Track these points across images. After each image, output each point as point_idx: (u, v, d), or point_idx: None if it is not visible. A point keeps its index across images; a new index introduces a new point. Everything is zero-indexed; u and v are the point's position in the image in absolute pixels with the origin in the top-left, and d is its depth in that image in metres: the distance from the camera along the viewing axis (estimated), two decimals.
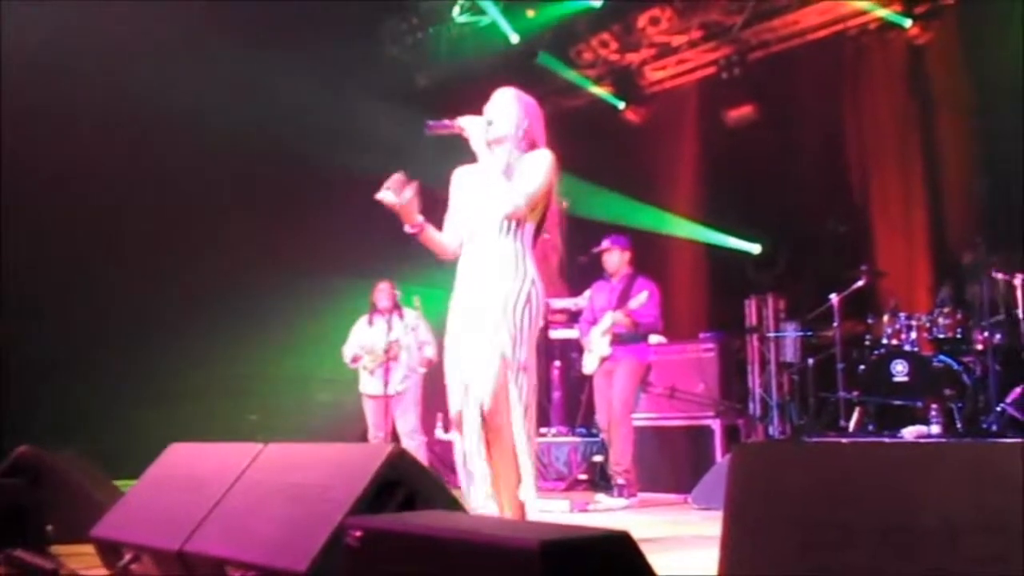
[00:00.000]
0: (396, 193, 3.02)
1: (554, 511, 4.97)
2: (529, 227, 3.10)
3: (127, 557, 2.51)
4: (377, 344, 6.11)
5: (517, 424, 2.89)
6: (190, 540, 2.36)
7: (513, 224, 3.05)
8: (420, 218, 3.11)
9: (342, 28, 7.55)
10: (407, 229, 3.12)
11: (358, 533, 1.65)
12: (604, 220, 7.34)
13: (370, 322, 6.30)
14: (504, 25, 8.62)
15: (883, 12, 7.49)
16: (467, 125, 3.07)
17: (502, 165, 3.05)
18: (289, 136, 7.18)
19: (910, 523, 1.35)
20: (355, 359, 6.28)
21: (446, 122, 3.08)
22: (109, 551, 2.65)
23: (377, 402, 6.12)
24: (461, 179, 3.25)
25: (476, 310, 3.01)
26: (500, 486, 2.87)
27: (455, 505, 2.36)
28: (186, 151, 6.83)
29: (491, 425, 2.87)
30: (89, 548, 2.83)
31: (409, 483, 2.24)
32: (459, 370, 3.00)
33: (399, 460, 2.25)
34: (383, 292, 6.29)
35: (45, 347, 5.97)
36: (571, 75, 9.35)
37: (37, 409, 5.73)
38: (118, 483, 3.92)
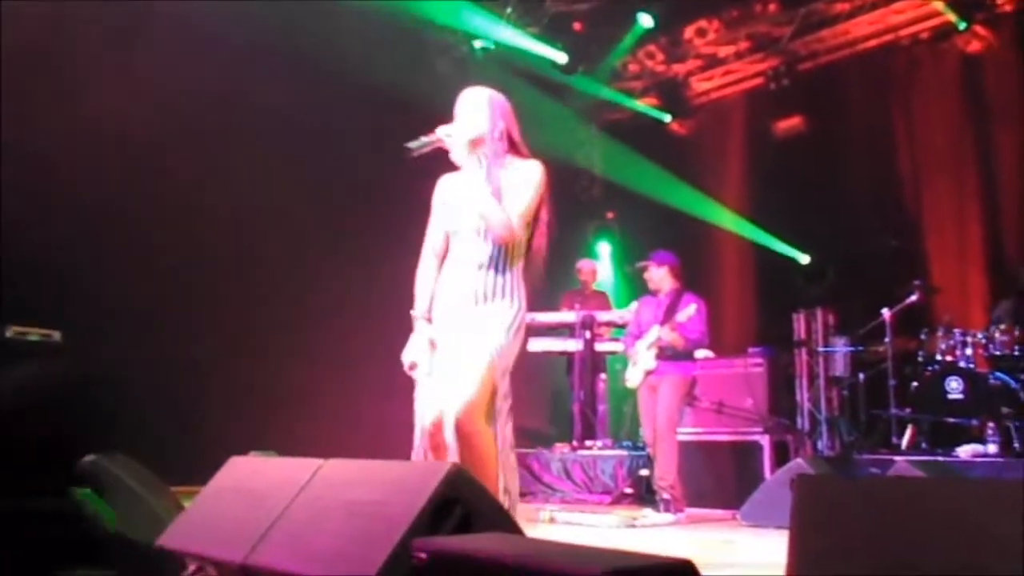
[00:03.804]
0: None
1: (601, 526, 4.97)
2: (522, 246, 2.99)
3: (191, 568, 2.58)
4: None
5: (490, 434, 2.79)
6: (253, 553, 2.42)
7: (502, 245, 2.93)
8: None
9: (387, 40, 7.62)
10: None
11: (423, 554, 1.68)
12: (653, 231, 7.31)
13: None
14: (545, 51, 8.64)
15: (944, 11, 7.34)
16: (445, 134, 2.95)
17: (485, 172, 2.93)
18: (344, 145, 7.27)
19: (979, 564, 1.33)
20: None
21: (423, 139, 2.95)
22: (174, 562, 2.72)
23: None
24: (445, 189, 3.12)
25: (465, 328, 2.92)
26: None
27: (512, 525, 2.38)
28: (254, 157, 6.93)
29: (460, 435, 2.78)
30: None
31: (466, 501, 2.27)
32: (433, 385, 2.95)
33: (457, 478, 2.28)
34: None
35: (101, 354, 6.12)
36: (611, 94, 9.37)
37: (94, 416, 5.88)
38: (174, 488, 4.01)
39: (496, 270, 2.94)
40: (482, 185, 2.91)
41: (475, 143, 2.96)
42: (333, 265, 7.43)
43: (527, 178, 2.96)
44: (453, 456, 2.86)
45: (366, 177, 7.40)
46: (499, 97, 3.07)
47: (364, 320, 7.27)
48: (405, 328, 6.76)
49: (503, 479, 2.83)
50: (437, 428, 2.91)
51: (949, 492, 1.43)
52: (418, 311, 3.13)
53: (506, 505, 2.75)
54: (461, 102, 3.04)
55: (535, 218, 2.99)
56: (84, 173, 6.25)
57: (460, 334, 2.93)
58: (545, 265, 3.06)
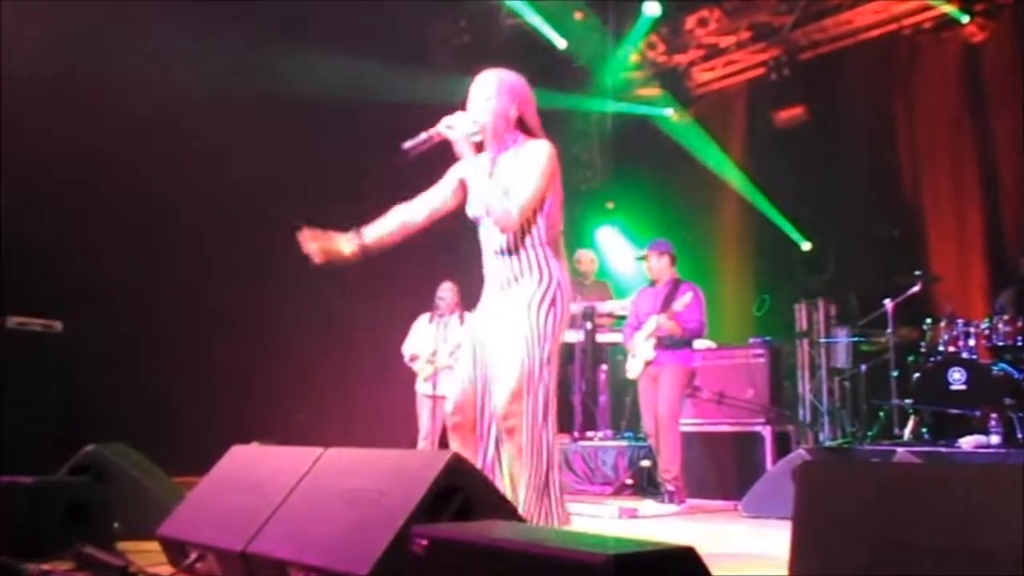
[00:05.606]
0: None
1: (602, 516, 4.96)
2: (541, 225, 2.83)
3: (192, 556, 2.58)
4: (426, 348, 6.14)
5: (529, 429, 2.71)
6: (253, 541, 2.42)
7: (520, 229, 2.81)
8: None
9: (390, 31, 7.60)
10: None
11: (424, 542, 1.68)
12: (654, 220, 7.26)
13: (431, 321, 6.27)
14: (549, 32, 8.63)
15: (943, 5, 7.33)
16: (447, 129, 2.79)
17: (490, 167, 2.83)
18: (342, 135, 7.26)
19: (970, 545, 1.33)
20: (412, 358, 6.31)
21: (423, 136, 2.79)
22: (175, 550, 2.72)
23: (430, 402, 6.17)
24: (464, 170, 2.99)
25: (497, 315, 2.86)
26: (516, 490, 2.74)
27: (511, 513, 2.38)
28: (255, 147, 6.89)
29: (503, 427, 2.74)
30: (153, 545, 2.91)
31: (466, 490, 2.26)
32: (472, 374, 2.88)
33: (457, 467, 2.28)
34: (448, 292, 6.16)
35: (101, 343, 6.11)
36: (613, 84, 9.34)
37: (93, 405, 5.88)
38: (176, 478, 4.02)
39: (518, 252, 2.84)
40: (484, 176, 2.82)
41: (480, 134, 2.84)
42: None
43: (534, 162, 2.79)
44: (466, 438, 2.84)
45: (364, 167, 7.38)
46: (512, 79, 2.92)
47: (365, 312, 7.27)
48: (405, 320, 6.73)
49: (542, 473, 2.73)
50: (459, 408, 2.87)
51: (946, 476, 1.43)
52: (364, 231, 3.06)
53: (542, 501, 2.71)
54: (472, 88, 2.91)
55: (546, 199, 2.83)
56: (83, 164, 6.24)
57: (494, 323, 2.87)
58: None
